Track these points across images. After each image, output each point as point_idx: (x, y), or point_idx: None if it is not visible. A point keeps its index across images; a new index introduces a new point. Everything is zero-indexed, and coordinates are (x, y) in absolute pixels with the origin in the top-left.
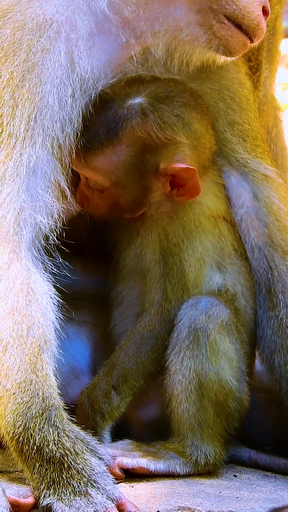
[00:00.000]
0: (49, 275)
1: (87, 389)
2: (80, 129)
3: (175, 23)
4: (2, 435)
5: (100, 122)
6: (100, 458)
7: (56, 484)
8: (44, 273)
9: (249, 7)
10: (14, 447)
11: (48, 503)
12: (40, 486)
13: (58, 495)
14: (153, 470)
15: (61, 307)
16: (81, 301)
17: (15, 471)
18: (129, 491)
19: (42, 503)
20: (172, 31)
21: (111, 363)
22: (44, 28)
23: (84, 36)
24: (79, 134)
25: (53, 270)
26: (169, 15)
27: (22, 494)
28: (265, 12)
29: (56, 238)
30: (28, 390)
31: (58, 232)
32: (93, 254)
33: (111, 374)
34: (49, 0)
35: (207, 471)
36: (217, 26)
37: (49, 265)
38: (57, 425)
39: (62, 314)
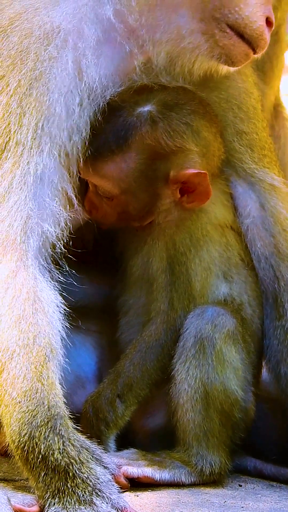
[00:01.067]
0: (56, 283)
1: (92, 398)
2: (88, 137)
3: (177, 31)
4: (7, 444)
5: (109, 129)
6: (105, 467)
7: (61, 493)
8: (50, 282)
9: (252, 17)
10: (19, 456)
11: None
12: (45, 494)
13: (63, 504)
14: (158, 479)
15: (67, 316)
16: (87, 310)
17: (20, 480)
18: (134, 500)
19: (47, 511)
20: (174, 39)
21: (116, 372)
22: (51, 36)
23: (92, 45)
24: (87, 142)
25: (59, 278)
26: (171, 22)
27: (27, 503)
28: (268, 23)
29: (63, 247)
30: (33, 398)
31: (65, 241)
32: (99, 263)
33: (116, 383)
34: (56, 8)
35: (212, 481)
36: (219, 35)
37: (56, 274)
38: (63, 434)
39: (68, 322)
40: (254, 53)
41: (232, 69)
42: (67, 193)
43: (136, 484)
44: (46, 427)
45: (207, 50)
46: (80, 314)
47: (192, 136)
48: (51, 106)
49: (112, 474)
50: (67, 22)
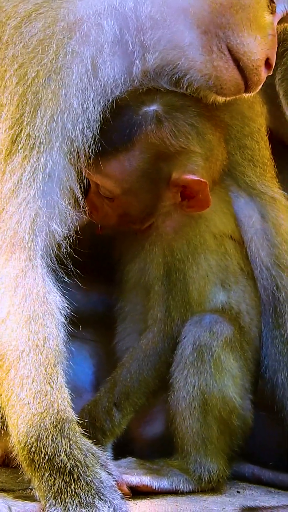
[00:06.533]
0: (59, 286)
1: (88, 406)
2: (97, 134)
3: (179, 35)
4: (4, 455)
5: (114, 127)
6: (110, 473)
7: (63, 494)
8: (55, 284)
9: (253, 48)
10: (24, 457)
11: None
12: (47, 495)
13: (64, 505)
14: (156, 487)
15: (67, 322)
16: (84, 317)
17: (19, 490)
18: (133, 509)
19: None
20: (172, 41)
21: (113, 380)
22: (74, 29)
23: (109, 41)
24: (96, 139)
25: (64, 279)
26: (176, 23)
27: (28, 509)
28: (267, 64)
29: (69, 247)
30: (43, 401)
31: (71, 241)
32: (95, 270)
33: (112, 391)
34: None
35: (211, 488)
36: (216, 54)
37: (61, 275)
38: (70, 437)
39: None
40: (245, 89)
41: (220, 98)
42: (74, 192)
43: (134, 492)
44: (55, 430)
45: (200, 65)
46: (76, 321)
47: (196, 138)
48: (68, 100)
49: (116, 481)
50: (90, 15)
